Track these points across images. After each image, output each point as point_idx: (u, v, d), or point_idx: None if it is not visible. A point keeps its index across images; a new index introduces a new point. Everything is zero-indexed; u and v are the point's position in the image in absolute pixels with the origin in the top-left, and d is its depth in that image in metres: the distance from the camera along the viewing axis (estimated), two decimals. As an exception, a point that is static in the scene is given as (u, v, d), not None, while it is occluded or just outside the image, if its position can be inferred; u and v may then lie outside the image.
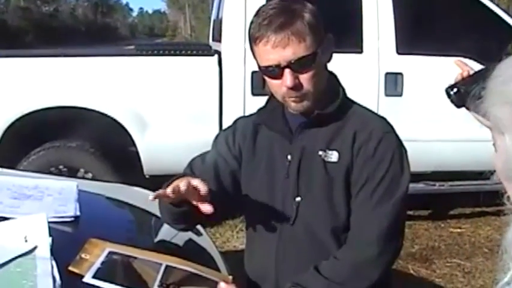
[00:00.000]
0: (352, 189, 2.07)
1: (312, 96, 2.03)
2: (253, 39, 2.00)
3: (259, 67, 2.04)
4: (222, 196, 2.20)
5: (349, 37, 6.17)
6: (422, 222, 6.85)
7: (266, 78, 2.05)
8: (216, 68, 6.03)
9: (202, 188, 1.87)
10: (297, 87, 1.98)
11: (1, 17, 41.88)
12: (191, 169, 2.24)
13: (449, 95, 1.85)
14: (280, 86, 2.00)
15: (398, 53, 6.19)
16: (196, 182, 1.87)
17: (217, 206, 2.09)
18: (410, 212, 6.64)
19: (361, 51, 6.18)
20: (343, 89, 2.16)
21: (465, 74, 1.91)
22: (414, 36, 6.26)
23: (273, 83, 2.03)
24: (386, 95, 6.15)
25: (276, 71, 1.98)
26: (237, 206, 2.33)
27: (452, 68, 6.28)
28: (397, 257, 2.15)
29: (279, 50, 1.94)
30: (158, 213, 2.68)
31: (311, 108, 2.06)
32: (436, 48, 6.21)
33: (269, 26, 1.95)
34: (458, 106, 1.87)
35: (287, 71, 1.96)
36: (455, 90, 1.84)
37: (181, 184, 1.85)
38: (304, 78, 1.98)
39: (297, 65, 1.96)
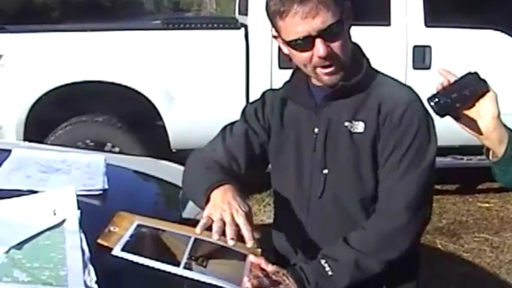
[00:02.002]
0: (379, 159, 2.06)
1: (344, 65, 2.01)
2: (278, 14, 1.97)
3: (286, 42, 2.01)
4: (251, 168, 2.20)
5: (377, 10, 6.14)
6: (450, 196, 6.82)
7: (294, 52, 2.01)
8: (242, 42, 6.02)
9: (247, 233, 1.85)
10: (329, 55, 1.95)
11: (27, -8, 41.98)
12: (223, 140, 2.22)
13: (430, 106, 1.82)
14: (310, 58, 1.98)
15: (427, 26, 6.15)
16: (240, 221, 1.85)
17: (248, 178, 2.10)
18: (438, 187, 6.61)
19: (389, 24, 6.15)
20: (367, 60, 2.14)
21: (445, 83, 1.86)
22: (442, 8, 6.20)
23: (302, 56, 2.00)
24: (415, 68, 6.12)
25: (306, 42, 1.95)
26: (261, 170, 2.32)
27: (479, 41, 6.27)
28: (426, 226, 2.14)
29: (308, 21, 1.91)
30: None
31: (341, 81, 2.04)
32: (464, 20, 6.17)
33: None
34: (441, 116, 1.84)
35: (318, 40, 1.93)
36: (435, 100, 1.80)
37: (228, 226, 1.83)
38: (336, 46, 1.96)
39: (328, 33, 1.93)
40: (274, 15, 1.99)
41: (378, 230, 2.02)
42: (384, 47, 6.06)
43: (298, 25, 1.93)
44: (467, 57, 6.10)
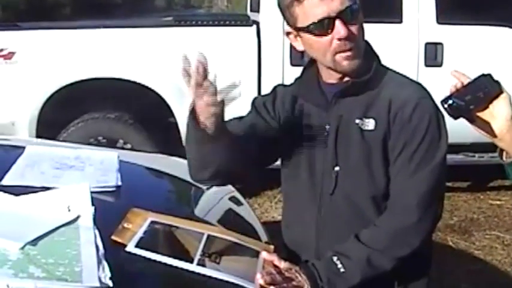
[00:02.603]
0: (390, 157, 2.07)
1: (361, 54, 2.02)
2: (295, 0, 1.97)
3: (304, 28, 2.00)
4: (261, 151, 2.19)
5: (389, 7, 6.14)
6: (461, 194, 6.81)
7: (313, 39, 2.01)
8: (254, 39, 6.03)
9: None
10: (349, 37, 1.96)
11: (39, -11, 42.03)
12: (229, 123, 2.21)
13: (444, 109, 1.81)
14: (330, 43, 1.97)
15: (439, 23, 6.13)
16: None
17: (252, 162, 2.11)
18: (449, 184, 6.60)
19: (401, 21, 6.14)
20: (378, 57, 2.15)
21: (459, 85, 1.85)
22: (454, 5, 6.18)
23: (321, 42, 1.99)
24: (427, 65, 6.11)
25: (325, 25, 1.95)
26: (272, 160, 2.32)
27: (491, 38, 6.23)
28: (437, 223, 2.15)
29: (327, 2, 1.93)
30: (198, 183, 2.70)
31: (360, 69, 2.04)
32: (476, 17, 6.15)
33: None
34: (455, 118, 1.84)
35: (338, 22, 1.94)
36: (449, 103, 1.80)
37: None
38: (354, 29, 1.97)
39: (347, 14, 1.95)
40: (290, 4, 1.99)
41: (390, 227, 2.03)
42: (396, 44, 6.05)
43: (316, 7, 1.94)
44: (479, 54, 6.10)
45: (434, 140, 2.04)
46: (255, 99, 2.31)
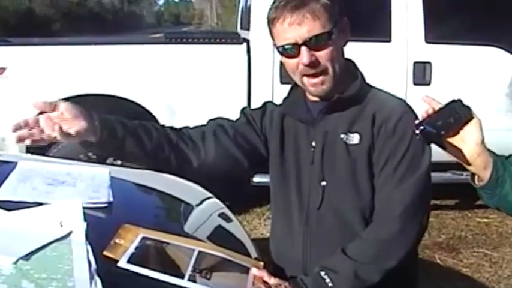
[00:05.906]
0: (374, 169, 2.12)
1: (331, 78, 2.08)
2: (271, 21, 2.09)
3: (277, 48, 2.10)
4: (241, 156, 2.30)
5: (378, 26, 6.18)
6: (449, 211, 6.83)
7: (284, 59, 2.11)
8: (244, 56, 6.06)
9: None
10: (313, 63, 2.04)
11: (29, 5, 42.11)
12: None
13: (415, 134, 1.84)
14: (297, 66, 2.06)
15: (427, 42, 6.18)
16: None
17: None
18: (437, 202, 6.65)
19: (389, 40, 6.18)
20: (361, 74, 2.21)
21: (430, 111, 1.88)
22: (443, 25, 6.23)
23: (290, 63, 2.09)
24: (415, 84, 6.14)
25: (292, 50, 2.04)
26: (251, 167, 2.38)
27: (479, 57, 6.27)
28: (423, 234, 2.18)
29: (295, 28, 2.01)
30: (188, 200, 2.71)
31: (330, 93, 2.11)
32: (464, 37, 6.19)
33: (285, 7, 2.03)
34: (427, 143, 1.87)
35: (303, 49, 2.02)
36: (421, 128, 1.82)
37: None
38: (320, 55, 2.04)
39: (313, 42, 2.02)
40: (269, 23, 2.11)
41: (375, 238, 2.07)
42: (385, 63, 6.11)
43: (286, 32, 2.04)
44: (467, 73, 6.15)
45: (417, 152, 2.09)
46: (244, 108, 2.39)
